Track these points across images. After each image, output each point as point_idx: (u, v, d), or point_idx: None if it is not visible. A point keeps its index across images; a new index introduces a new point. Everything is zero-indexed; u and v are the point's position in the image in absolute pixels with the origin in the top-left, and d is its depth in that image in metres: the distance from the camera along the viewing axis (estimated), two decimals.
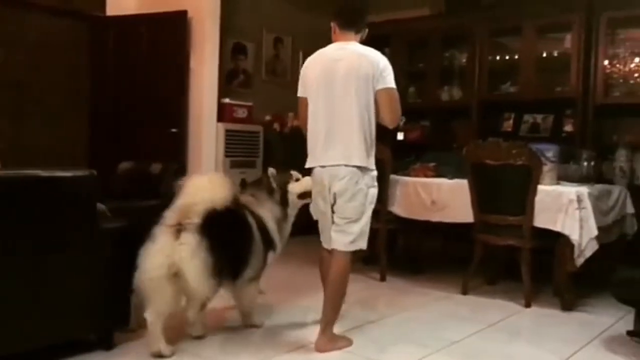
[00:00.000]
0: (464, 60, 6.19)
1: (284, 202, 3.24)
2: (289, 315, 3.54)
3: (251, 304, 3.23)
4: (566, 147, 4.78)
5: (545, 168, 3.90)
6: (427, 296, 4.07)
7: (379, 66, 2.88)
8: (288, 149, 6.05)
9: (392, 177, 4.41)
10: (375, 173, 2.99)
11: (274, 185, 3.24)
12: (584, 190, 3.77)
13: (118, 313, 2.87)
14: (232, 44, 6.21)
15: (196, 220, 2.71)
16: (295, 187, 3.27)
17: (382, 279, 4.45)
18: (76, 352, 2.73)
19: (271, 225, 3.17)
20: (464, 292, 4.11)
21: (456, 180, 4.22)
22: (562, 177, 4.16)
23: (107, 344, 2.81)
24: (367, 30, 3.07)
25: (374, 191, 2.98)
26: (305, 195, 3.24)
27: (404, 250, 4.96)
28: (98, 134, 5.90)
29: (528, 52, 5.65)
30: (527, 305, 3.83)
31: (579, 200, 3.67)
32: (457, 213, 4.14)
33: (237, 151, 5.85)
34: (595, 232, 3.66)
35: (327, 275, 3.03)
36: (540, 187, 3.80)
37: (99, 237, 2.73)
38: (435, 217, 4.28)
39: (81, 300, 2.69)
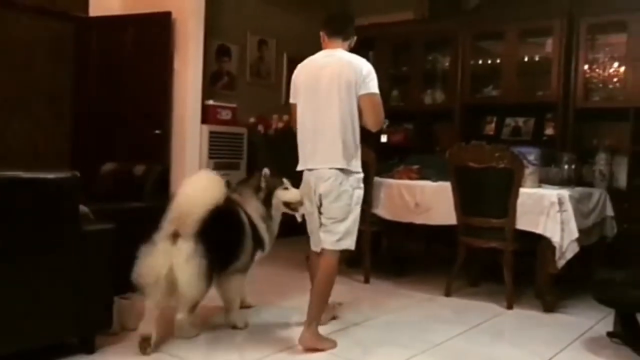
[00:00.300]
0: (447, 64, 6.24)
1: (267, 202, 3.33)
2: (273, 316, 3.53)
3: (235, 297, 3.28)
4: (547, 150, 4.84)
5: (527, 171, 3.94)
6: (411, 298, 4.09)
7: (362, 73, 2.98)
8: (272, 151, 6.06)
9: (376, 179, 4.42)
10: (361, 175, 3.08)
11: (262, 184, 3.33)
12: (565, 193, 3.82)
13: (100, 316, 2.84)
14: (217, 46, 6.19)
15: (192, 227, 2.79)
16: (283, 194, 3.38)
17: (366, 281, 4.46)
18: (57, 356, 2.70)
19: (260, 224, 3.27)
20: (447, 294, 4.13)
21: (440, 183, 4.25)
22: (544, 180, 4.21)
23: (89, 348, 2.78)
24: (355, 37, 3.19)
25: (359, 192, 3.06)
26: (291, 205, 3.38)
27: (387, 253, 4.98)
28: (81, 135, 5.84)
29: (510, 56, 5.72)
30: (509, 307, 3.86)
31: (560, 202, 3.72)
32: (441, 215, 4.16)
33: (221, 153, 5.84)
34: (576, 235, 3.70)
35: (315, 274, 3.10)
36: (522, 190, 3.84)
37: (81, 239, 2.70)
38: (419, 220, 4.30)
39: (63, 303, 2.66)
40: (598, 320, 3.62)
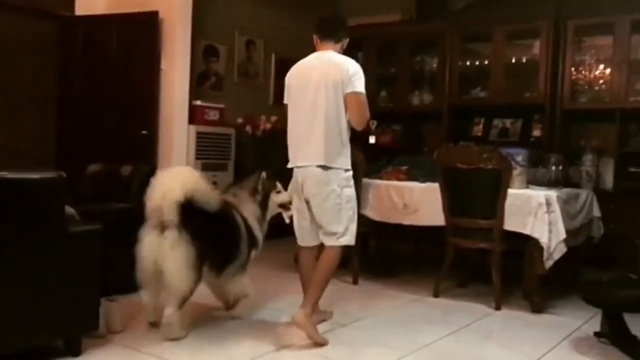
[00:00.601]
0: (435, 65, 6.27)
1: (264, 205, 3.47)
2: (261, 318, 3.52)
3: (242, 293, 3.43)
4: (535, 151, 4.86)
5: (515, 172, 3.96)
6: (399, 299, 4.08)
7: (349, 72, 3.06)
8: (260, 151, 6.03)
9: (365, 180, 4.41)
10: (349, 173, 3.17)
11: (259, 187, 3.45)
12: (552, 194, 3.83)
13: (86, 318, 2.80)
14: (204, 46, 6.15)
15: (172, 215, 2.88)
16: (278, 197, 3.53)
17: (355, 282, 4.45)
18: (42, 359, 2.66)
19: (255, 224, 3.39)
20: (436, 295, 4.13)
21: (428, 184, 4.25)
22: (531, 181, 4.23)
23: (75, 350, 2.74)
24: (347, 40, 3.28)
25: (348, 191, 3.15)
26: (284, 205, 3.53)
27: (376, 254, 4.98)
28: (66, 135, 5.78)
29: (497, 57, 5.74)
30: (498, 307, 3.87)
31: (548, 203, 3.74)
32: (429, 216, 4.17)
33: (208, 154, 5.80)
34: (563, 235, 3.72)
35: (306, 272, 3.25)
36: (510, 191, 3.85)
37: (67, 240, 2.67)
38: (407, 221, 4.30)
39: (48, 305, 2.61)
40: (585, 320, 3.63)
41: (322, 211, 3.10)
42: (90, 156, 4.73)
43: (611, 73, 5.26)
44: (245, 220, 3.33)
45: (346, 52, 3.28)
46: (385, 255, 4.87)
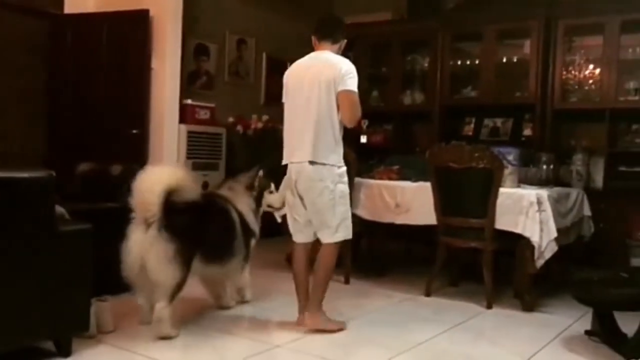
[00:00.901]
0: (426, 64, 6.28)
1: (258, 201, 3.64)
2: (253, 317, 3.51)
3: (245, 282, 3.66)
4: (526, 150, 4.88)
5: (507, 171, 3.97)
6: (391, 298, 4.08)
7: (341, 71, 3.13)
8: (251, 151, 6.01)
9: (357, 179, 4.41)
10: (343, 170, 3.23)
11: (256, 184, 3.62)
12: (543, 193, 3.85)
13: (76, 318, 2.77)
14: (195, 45, 6.12)
15: (154, 212, 2.92)
16: (269, 198, 3.71)
17: (347, 281, 4.44)
18: None
19: (250, 217, 3.53)
20: (428, 294, 4.14)
21: (420, 183, 4.26)
22: (522, 180, 4.24)
23: (65, 351, 2.72)
24: (345, 41, 3.35)
25: (341, 187, 3.21)
26: (273, 207, 3.75)
27: (368, 253, 4.98)
28: (56, 134, 5.72)
29: (488, 57, 5.76)
30: (489, 306, 3.88)
31: (539, 202, 3.75)
32: (421, 215, 4.17)
33: (199, 153, 5.77)
34: (554, 234, 3.73)
35: (299, 270, 3.32)
36: (501, 190, 3.86)
37: (57, 240, 2.65)
38: (399, 220, 4.30)
39: (37, 305, 2.59)
40: (576, 318, 3.65)
41: (316, 207, 3.16)
42: (81, 155, 4.70)
43: (601, 73, 5.29)
44: (240, 213, 3.43)
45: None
46: (377, 254, 4.87)
